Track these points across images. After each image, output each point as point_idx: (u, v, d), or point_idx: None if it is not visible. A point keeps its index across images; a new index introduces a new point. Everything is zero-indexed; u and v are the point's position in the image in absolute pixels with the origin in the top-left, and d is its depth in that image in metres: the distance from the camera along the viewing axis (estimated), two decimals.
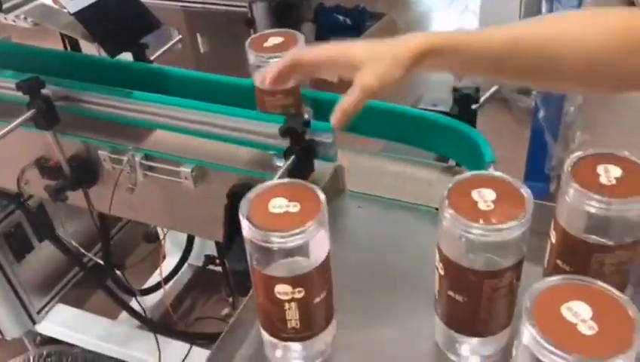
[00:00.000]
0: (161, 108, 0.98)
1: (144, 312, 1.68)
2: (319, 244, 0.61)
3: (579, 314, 0.48)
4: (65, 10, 0.99)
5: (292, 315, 0.64)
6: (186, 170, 1.02)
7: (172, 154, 1.03)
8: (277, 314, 0.64)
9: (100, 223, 1.50)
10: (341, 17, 2.82)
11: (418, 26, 3.71)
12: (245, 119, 0.92)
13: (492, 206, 0.59)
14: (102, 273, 1.65)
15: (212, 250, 1.87)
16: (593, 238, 0.62)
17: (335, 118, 0.66)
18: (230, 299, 1.91)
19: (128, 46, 1.06)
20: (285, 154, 0.87)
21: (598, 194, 0.59)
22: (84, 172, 1.14)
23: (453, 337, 0.68)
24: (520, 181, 0.62)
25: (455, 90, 0.93)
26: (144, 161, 1.05)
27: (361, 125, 0.92)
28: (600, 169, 0.62)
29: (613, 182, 0.60)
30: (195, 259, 1.93)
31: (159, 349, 1.60)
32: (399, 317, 0.74)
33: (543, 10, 2.40)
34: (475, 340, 0.67)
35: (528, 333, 0.47)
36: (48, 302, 1.82)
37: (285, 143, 0.88)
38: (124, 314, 1.77)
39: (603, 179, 0.61)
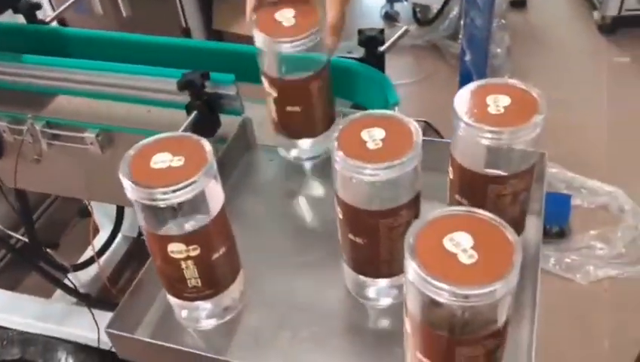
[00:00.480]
0: (55, 71, 0.92)
1: (76, 288, 1.64)
2: (210, 197, 0.59)
3: (460, 244, 0.47)
4: None
5: (191, 274, 0.61)
6: (90, 135, 0.97)
7: (74, 120, 0.98)
8: (175, 274, 0.62)
9: (18, 200, 1.43)
10: None
11: None
12: (143, 76, 0.87)
13: (381, 145, 0.57)
14: (31, 253, 1.59)
15: None
16: (487, 170, 0.61)
17: (330, 38, 0.70)
18: None
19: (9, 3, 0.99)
20: (187, 110, 0.84)
21: (486, 125, 0.58)
22: None
23: (361, 281, 0.67)
24: (411, 118, 0.60)
25: (360, 32, 0.90)
26: (46, 130, 1.00)
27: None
28: (489, 99, 0.61)
29: (502, 111, 0.60)
30: (130, 230, 1.88)
31: (97, 324, 1.56)
32: (309, 266, 0.73)
33: None
34: (382, 282, 0.67)
35: (411, 268, 0.46)
36: None
37: (187, 98, 0.84)
38: (59, 293, 1.73)
39: (492, 110, 0.60)
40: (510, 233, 0.48)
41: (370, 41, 0.89)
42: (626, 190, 1.94)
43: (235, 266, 0.66)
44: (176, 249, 0.59)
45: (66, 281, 1.65)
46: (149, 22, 2.56)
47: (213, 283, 0.64)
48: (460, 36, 2.07)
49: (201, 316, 0.67)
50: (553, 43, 2.81)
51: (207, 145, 0.59)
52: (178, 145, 0.59)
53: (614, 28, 2.79)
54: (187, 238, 0.59)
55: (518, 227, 0.68)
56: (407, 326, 0.52)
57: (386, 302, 0.69)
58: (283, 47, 0.70)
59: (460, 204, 0.65)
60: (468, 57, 1.88)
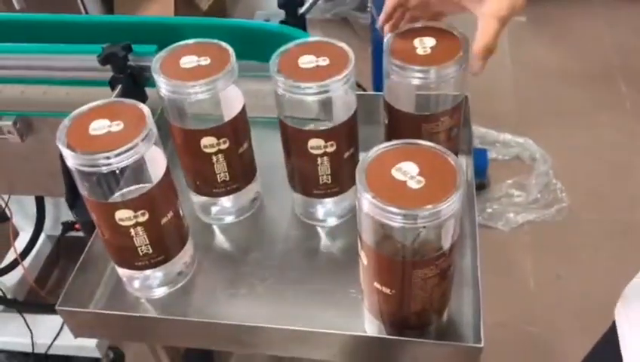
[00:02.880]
0: None
1: (4, 294, 1.56)
2: (153, 160, 0.59)
3: (407, 172, 0.50)
4: None
5: (141, 241, 0.61)
6: (7, 123, 0.93)
7: None
8: (125, 243, 0.61)
9: None
10: None
11: None
12: (58, 55, 0.84)
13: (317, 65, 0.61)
14: None
15: (69, 216, 1.75)
16: (418, 110, 0.65)
17: (479, 58, 0.58)
18: None
19: None
20: (111, 85, 0.82)
21: (415, 65, 0.61)
22: None
23: (308, 203, 0.71)
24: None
25: None
26: None
27: None
28: (416, 42, 0.64)
29: (429, 51, 0.63)
30: (52, 228, 1.80)
31: (29, 328, 1.49)
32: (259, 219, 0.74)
33: None
34: (328, 202, 0.70)
35: (365, 200, 0.49)
36: None
37: (107, 74, 0.82)
38: None
39: (420, 51, 0.63)
40: (452, 158, 0.51)
41: (290, 3, 0.90)
42: (535, 140, 2.07)
43: (184, 230, 0.66)
44: (124, 216, 0.58)
45: None
46: (44, 9, 2.43)
47: (164, 248, 0.64)
48: (369, 5, 2.11)
49: (153, 284, 0.67)
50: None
51: (145, 108, 0.58)
52: (116, 111, 0.58)
53: None
54: (135, 204, 0.58)
55: None
56: (364, 259, 0.54)
57: (332, 221, 0.73)
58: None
59: None
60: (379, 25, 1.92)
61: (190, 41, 0.67)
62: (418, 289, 0.53)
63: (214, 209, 0.74)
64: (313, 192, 0.69)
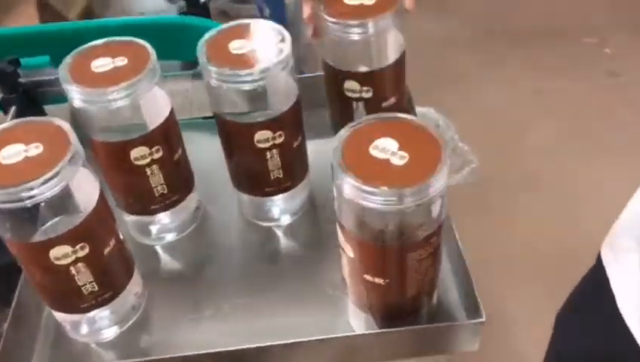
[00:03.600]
0: None
1: None
2: (84, 186, 0.50)
3: (387, 148, 0.45)
4: None
5: (85, 279, 0.52)
6: None
7: None
8: (64, 285, 0.52)
9: None
10: None
11: None
12: None
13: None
14: None
15: None
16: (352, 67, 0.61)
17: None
18: None
19: None
20: (2, 109, 0.70)
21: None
22: None
23: (258, 203, 0.66)
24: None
25: None
26: None
27: None
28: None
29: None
30: None
31: None
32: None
33: None
34: (280, 199, 0.65)
35: (346, 184, 0.43)
36: None
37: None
38: None
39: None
40: (431, 129, 0.47)
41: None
42: (435, 107, 2.11)
43: (129, 258, 0.58)
44: (61, 253, 0.49)
45: None
46: None
47: (111, 282, 0.55)
48: None
49: (103, 325, 0.58)
50: None
51: (65, 125, 0.49)
52: (29, 132, 0.49)
53: None
54: (71, 237, 0.49)
55: None
56: (348, 252, 0.49)
57: (286, 219, 0.67)
58: None
59: None
60: (267, 13, 1.87)
61: (99, 42, 0.58)
62: (413, 273, 0.48)
63: (154, 228, 0.66)
64: (265, 190, 0.63)
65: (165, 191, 0.61)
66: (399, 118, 0.48)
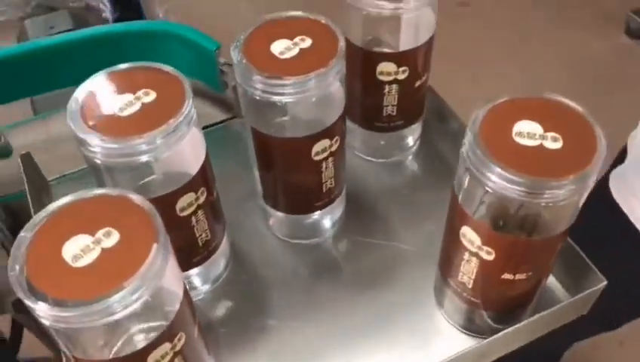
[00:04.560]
0: None
1: None
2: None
3: (533, 133, 0.40)
4: None
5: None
6: None
7: None
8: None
9: None
10: None
11: None
12: None
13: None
14: None
15: None
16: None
17: None
18: None
19: None
20: None
21: None
22: None
23: (299, 220, 0.59)
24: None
25: None
26: None
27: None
28: None
29: None
30: None
31: None
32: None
33: None
34: (325, 212, 0.58)
35: (500, 178, 0.38)
36: None
37: None
38: None
39: None
40: (581, 110, 0.42)
41: None
42: None
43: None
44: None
45: None
46: None
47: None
48: None
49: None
50: None
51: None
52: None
53: None
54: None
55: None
56: (487, 255, 0.43)
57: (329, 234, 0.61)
58: None
59: None
60: None
61: (118, 68, 0.44)
62: (553, 263, 0.45)
63: (194, 280, 0.54)
64: (314, 205, 0.55)
65: (208, 238, 0.51)
66: (527, 98, 0.42)
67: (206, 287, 0.55)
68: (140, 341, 0.37)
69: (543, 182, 0.37)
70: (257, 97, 0.45)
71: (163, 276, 0.34)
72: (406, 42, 0.54)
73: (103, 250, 0.34)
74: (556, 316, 0.51)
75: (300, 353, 0.51)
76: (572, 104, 0.42)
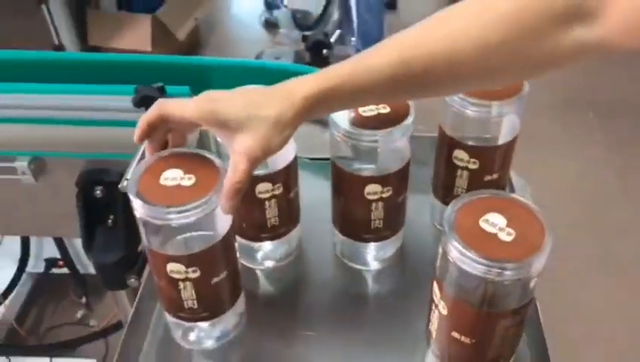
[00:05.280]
0: None
1: None
2: (217, 219, 0.57)
3: (496, 224, 0.50)
4: None
5: (188, 295, 0.59)
6: (22, 163, 0.89)
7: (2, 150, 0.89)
8: (173, 294, 0.59)
9: None
10: None
11: None
12: (90, 95, 0.82)
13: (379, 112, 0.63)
14: None
15: (52, 253, 1.69)
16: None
17: (229, 198, 0.52)
18: (83, 300, 1.76)
19: None
20: None
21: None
22: None
23: (355, 246, 0.71)
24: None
25: (305, 38, 0.91)
26: None
27: (215, 83, 0.87)
28: None
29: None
30: (35, 266, 1.73)
31: None
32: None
33: None
34: (373, 246, 0.71)
35: (454, 250, 0.49)
36: None
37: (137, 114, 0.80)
38: None
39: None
40: (538, 213, 0.51)
41: (318, 45, 0.91)
42: (514, 170, 2.13)
43: (235, 290, 0.64)
44: (175, 269, 0.56)
45: None
46: (14, 40, 2.37)
47: (210, 306, 0.61)
48: (353, 39, 2.14)
49: (199, 337, 0.65)
50: None
51: (219, 163, 0.56)
52: (189, 163, 0.56)
53: None
54: (188, 259, 0.56)
55: None
56: (442, 310, 0.54)
57: (375, 265, 0.73)
58: None
59: None
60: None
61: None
62: (499, 338, 0.53)
63: (259, 254, 0.73)
64: (363, 236, 0.69)
65: (277, 224, 0.68)
66: (510, 198, 0.53)
67: (271, 263, 0.73)
68: (177, 252, 0.56)
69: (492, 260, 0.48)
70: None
71: (214, 209, 0.53)
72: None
73: (183, 181, 0.54)
74: None
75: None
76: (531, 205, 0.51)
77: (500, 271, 0.47)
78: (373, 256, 0.72)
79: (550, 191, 2.05)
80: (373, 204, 0.65)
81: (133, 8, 2.65)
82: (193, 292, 0.58)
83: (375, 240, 0.70)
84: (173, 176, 0.55)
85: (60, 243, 1.60)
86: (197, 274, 0.57)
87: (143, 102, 0.78)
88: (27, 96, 0.83)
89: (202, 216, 0.53)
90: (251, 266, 0.73)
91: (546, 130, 2.34)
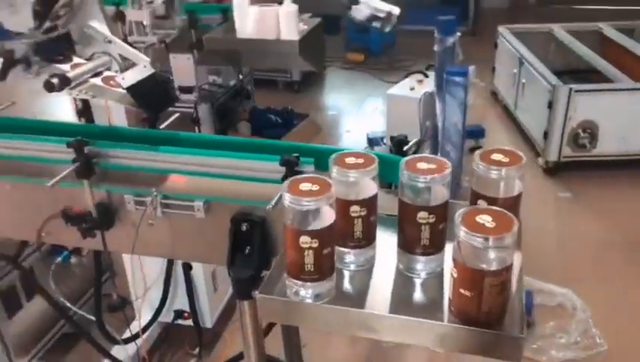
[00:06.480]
0: (179, 157, 1.34)
1: None
2: (327, 212, 0.99)
3: (485, 219, 0.88)
4: (114, 89, 1.37)
5: (309, 260, 1.00)
6: (198, 203, 1.37)
7: (186, 193, 1.37)
8: (299, 260, 1.00)
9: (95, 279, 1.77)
10: (272, 117, 3.30)
11: (334, 126, 4.28)
12: (246, 160, 1.30)
13: (429, 167, 1.02)
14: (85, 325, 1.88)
15: (182, 305, 2.13)
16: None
17: None
18: (196, 351, 2.15)
19: (159, 112, 1.43)
20: (284, 180, 1.25)
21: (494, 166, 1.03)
22: (106, 215, 1.44)
23: (411, 259, 1.08)
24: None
25: (392, 138, 1.36)
26: (164, 201, 1.38)
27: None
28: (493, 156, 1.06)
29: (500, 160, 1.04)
30: (165, 316, 2.17)
31: None
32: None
33: (438, 109, 3.00)
34: (423, 258, 1.08)
35: (462, 232, 0.87)
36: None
37: (280, 174, 1.26)
38: None
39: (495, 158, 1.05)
40: (509, 215, 0.89)
41: (400, 144, 1.35)
42: (575, 291, 2.37)
43: (332, 266, 1.04)
44: (304, 240, 0.98)
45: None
46: None
47: (319, 271, 1.01)
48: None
49: (307, 294, 1.04)
50: None
51: (331, 181, 1.00)
52: (315, 181, 1.00)
53: (556, 170, 3.40)
54: (312, 234, 0.98)
55: None
56: (454, 274, 0.90)
57: (424, 274, 1.09)
58: None
59: None
60: None
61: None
62: (487, 294, 0.88)
63: (347, 257, 1.12)
64: (415, 251, 1.07)
65: (360, 237, 1.09)
66: (492, 209, 0.91)
67: (353, 266, 1.12)
68: (306, 228, 0.98)
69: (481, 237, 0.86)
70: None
71: (319, 205, 0.96)
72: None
73: (312, 187, 0.98)
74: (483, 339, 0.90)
75: None
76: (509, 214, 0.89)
77: (484, 240, 0.85)
78: (423, 266, 1.09)
79: (609, 316, 2.27)
80: (422, 228, 1.04)
81: (263, 134, 3.27)
82: (312, 257, 0.99)
83: (424, 255, 1.07)
84: (307, 186, 0.98)
85: (190, 295, 2.04)
86: (316, 244, 0.98)
87: (286, 163, 1.24)
88: (206, 159, 1.33)
89: (316, 207, 0.96)
90: (339, 267, 1.12)
91: (613, 265, 2.58)
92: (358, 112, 4.47)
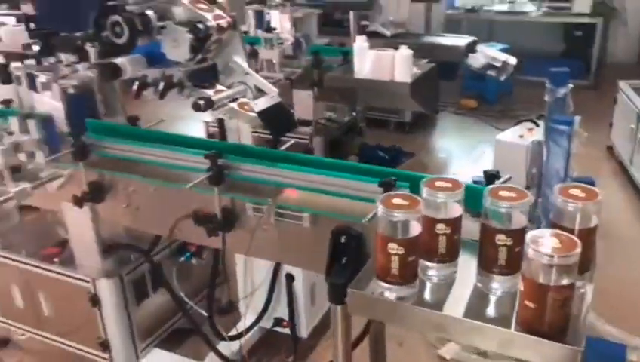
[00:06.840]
0: (293, 174, 1.57)
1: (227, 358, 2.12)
2: (414, 225, 1.15)
3: (553, 241, 1.01)
4: (247, 113, 1.65)
5: (395, 265, 1.16)
6: (306, 215, 1.57)
7: (296, 205, 1.59)
8: (387, 264, 1.16)
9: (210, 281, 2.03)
10: (381, 153, 3.49)
11: (441, 168, 4.40)
12: (350, 180, 1.49)
13: (510, 195, 1.15)
14: (199, 319, 2.14)
15: (282, 313, 2.33)
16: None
17: None
18: (290, 359, 2.34)
19: (282, 134, 1.68)
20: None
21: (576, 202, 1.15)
22: (229, 219, 1.69)
23: (489, 278, 1.21)
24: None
25: (485, 171, 1.50)
26: (277, 210, 1.61)
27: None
28: (572, 191, 1.17)
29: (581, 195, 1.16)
30: (265, 322, 2.39)
31: None
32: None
33: (544, 155, 3.03)
34: (499, 278, 1.20)
35: (530, 249, 1.00)
36: (147, 346, 2.27)
37: (378, 194, 1.44)
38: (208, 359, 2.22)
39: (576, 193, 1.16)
40: (575, 239, 1.01)
41: (491, 178, 1.49)
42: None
43: (416, 272, 1.20)
44: (392, 247, 1.15)
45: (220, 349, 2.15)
46: None
47: (403, 276, 1.17)
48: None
49: (389, 295, 1.20)
50: (612, 233, 3.34)
51: (420, 199, 1.16)
52: (406, 198, 1.17)
53: None
54: (399, 241, 1.14)
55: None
56: (521, 287, 1.03)
57: (499, 292, 1.21)
58: None
59: None
60: None
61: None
62: (550, 307, 1.00)
63: (430, 271, 1.27)
64: (492, 270, 1.20)
65: (444, 252, 1.23)
66: (561, 234, 1.03)
67: (435, 279, 1.26)
68: (395, 236, 1.15)
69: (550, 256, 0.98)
70: None
71: (408, 218, 1.13)
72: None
73: (402, 204, 1.15)
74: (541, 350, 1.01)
75: None
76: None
77: (549, 258, 0.97)
78: (499, 285, 1.21)
79: None
80: (500, 248, 1.17)
81: None
82: (398, 263, 1.16)
83: (500, 274, 1.20)
84: (399, 202, 1.16)
85: (290, 304, 2.25)
86: (402, 252, 1.15)
87: (384, 185, 1.42)
88: (315, 177, 1.54)
89: (404, 219, 1.13)
90: (423, 278, 1.27)
91: None
92: (467, 157, 4.55)
